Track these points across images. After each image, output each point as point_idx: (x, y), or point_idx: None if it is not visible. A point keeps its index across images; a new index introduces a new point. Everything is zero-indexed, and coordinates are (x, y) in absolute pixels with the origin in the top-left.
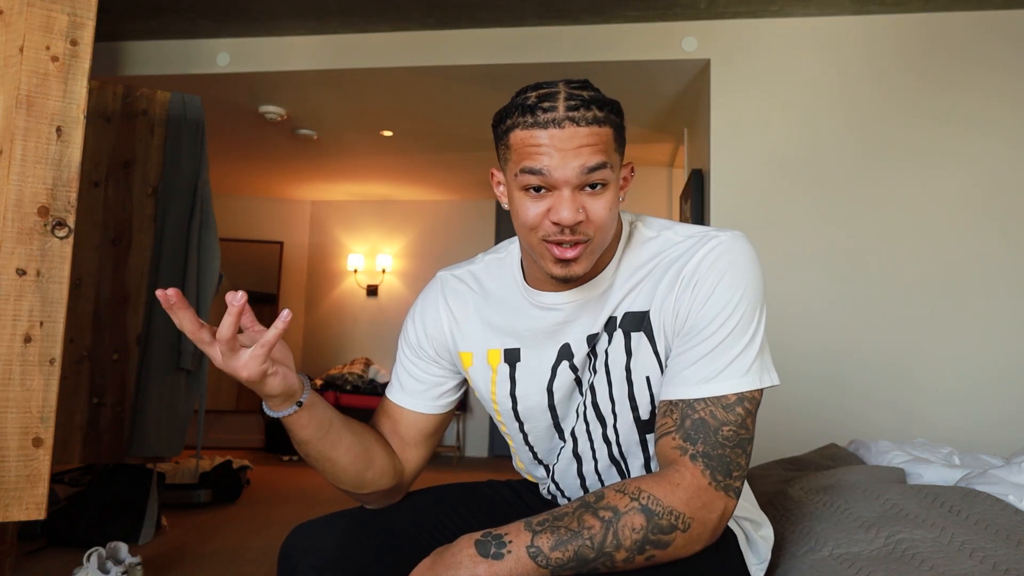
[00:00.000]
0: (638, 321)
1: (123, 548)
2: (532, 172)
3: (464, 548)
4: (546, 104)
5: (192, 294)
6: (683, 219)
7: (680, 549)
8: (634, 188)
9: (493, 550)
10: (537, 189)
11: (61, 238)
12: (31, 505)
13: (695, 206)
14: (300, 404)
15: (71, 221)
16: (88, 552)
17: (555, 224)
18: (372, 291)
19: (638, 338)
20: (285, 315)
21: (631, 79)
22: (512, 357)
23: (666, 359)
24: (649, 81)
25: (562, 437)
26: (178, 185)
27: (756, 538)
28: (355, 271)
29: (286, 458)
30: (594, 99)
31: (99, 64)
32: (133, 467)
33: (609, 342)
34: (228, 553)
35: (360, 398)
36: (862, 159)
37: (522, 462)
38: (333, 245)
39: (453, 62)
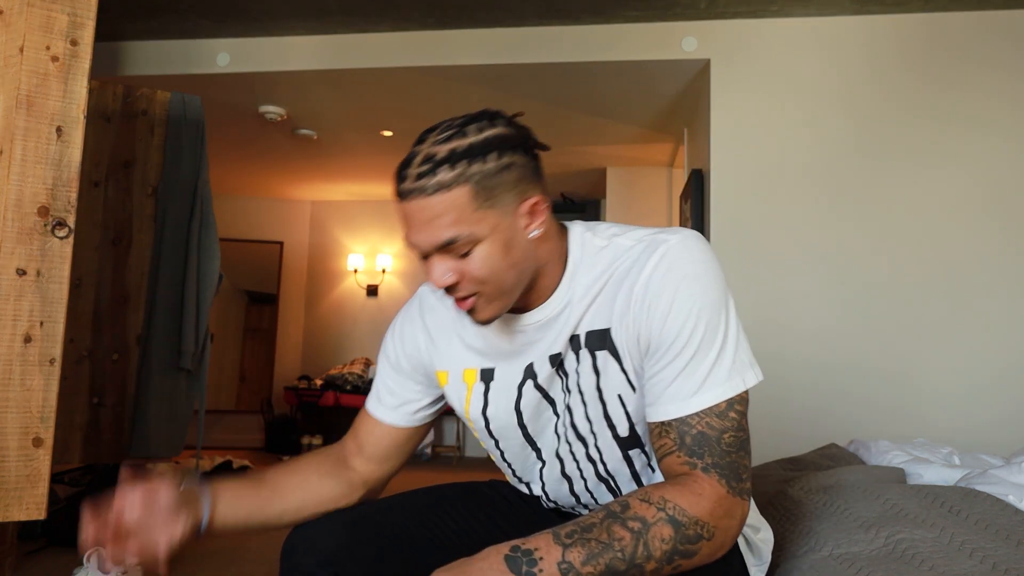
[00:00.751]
0: (601, 339)
1: None
2: (407, 242)
3: (494, 564)
4: (403, 172)
5: (192, 294)
6: (683, 219)
7: (705, 558)
8: (634, 188)
9: (525, 568)
10: (423, 254)
11: (61, 238)
12: (31, 505)
13: (695, 206)
14: (200, 532)
15: (71, 221)
16: (88, 552)
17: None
18: (372, 291)
19: (603, 357)
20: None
21: (631, 79)
22: (487, 376)
23: (635, 376)
24: (649, 81)
25: (539, 456)
26: (178, 185)
27: (756, 541)
28: (355, 271)
29: (286, 458)
30: (448, 157)
31: (99, 64)
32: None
33: (577, 362)
34: (228, 553)
35: (360, 398)
36: (862, 159)
37: (506, 477)
38: (333, 245)
39: (453, 62)
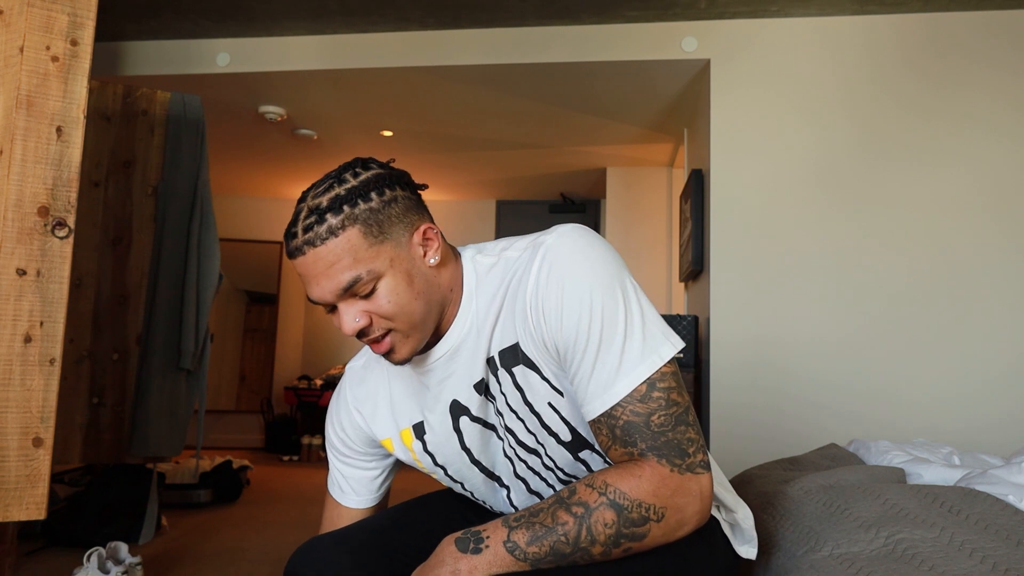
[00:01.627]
0: (513, 355)
1: (123, 548)
2: (311, 300)
3: (445, 547)
4: (291, 231)
5: (192, 294)
6: (683, 219)
7: (660, 538)
8: (634, 188)
9: (472, 545)
10: (330, 306)
11: (61, 238)
12: (31, 505)
13: (695, 206)
14: None
15: (71, 221)
16: (88, 552)
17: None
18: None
19: (522, 371)
20: None
21: (631, 79)
22: (419, 431)
23: (558, 381)
24: (649, 81)
25: (501, 484)
26: (178, 185)
27: (738, 521)
28: None
29: (286, 458)
30: (331, 205)
31: (99, 64)
32: (133, 467)
33: (499, 384)
34: (228, 553)
35: None
36: (862, 159)
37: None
38: None
39: (453, 62)
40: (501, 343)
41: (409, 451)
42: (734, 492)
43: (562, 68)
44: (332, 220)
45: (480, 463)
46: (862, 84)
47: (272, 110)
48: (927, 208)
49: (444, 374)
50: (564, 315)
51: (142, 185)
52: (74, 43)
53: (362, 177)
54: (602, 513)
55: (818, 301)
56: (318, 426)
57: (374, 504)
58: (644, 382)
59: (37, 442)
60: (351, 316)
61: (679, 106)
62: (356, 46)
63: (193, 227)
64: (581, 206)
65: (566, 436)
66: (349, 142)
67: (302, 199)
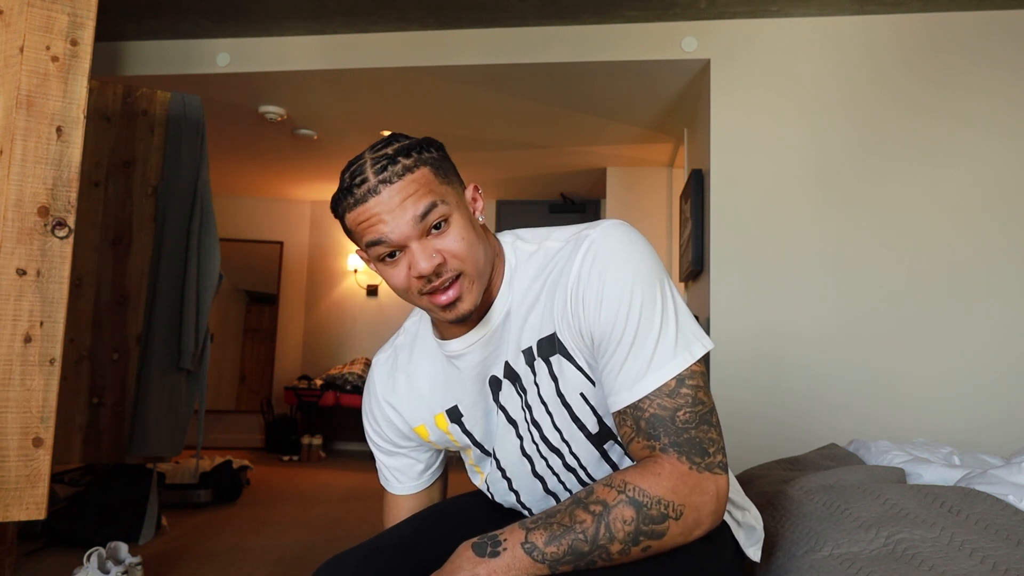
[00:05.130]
0: (551, 345)
1: (123, 548)
2: (376, 243)
3: (462, 552)
4: (358, 179)
5: (192, 294)
6: (683, 219)
7: (678, 537)
8: (634, 188)
9: (489, 549)
10: (391, 255)
11: (61, 238)
12: (31, 505)
13: (695, 206)
14: None
15: (71, 221)
16: (88, 552)
17: (420, 278)
18: (372, 291)
19: (558, 361)
20: None
21: (631, 79)
22: (455, 415)
23: (591, 370)
24: (649, 81)
25: (510, 487)
26: (178, 185)
27: (749, 520)
28: (355, 271)
29: (286, 458)
30: (399, 151)
31: (99, 64)
32: (133, 467)
33: (534, 374)
34: (228, 553)
35: (360, 398)
36: (862, 159)
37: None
38: (333, 245)
39: (453, 62)
40: (539, 332)
41: (445, 433)
42: (743, 493)
43: (562, 68)
44: (405, 161)
45: (520, 436)
46: (862, 84)
47: (272, 110)
48: (927, 208)
49: (482, 354)
50: (604, 305)
51: (142, 185)
52: (74, 43)
53: (412, 139)
54: (621, 510)
55: (818, 301)
56: (318, 426)
57: (426, 488)
58: (674, 378)
59: (37, 442)
60: (427, 253)
61: (679, 106)
62: (356, 46)
63: (193, 227)
64: (581, 206)
65: (593, 428)
66: (349, 142)
67: (358, 159)
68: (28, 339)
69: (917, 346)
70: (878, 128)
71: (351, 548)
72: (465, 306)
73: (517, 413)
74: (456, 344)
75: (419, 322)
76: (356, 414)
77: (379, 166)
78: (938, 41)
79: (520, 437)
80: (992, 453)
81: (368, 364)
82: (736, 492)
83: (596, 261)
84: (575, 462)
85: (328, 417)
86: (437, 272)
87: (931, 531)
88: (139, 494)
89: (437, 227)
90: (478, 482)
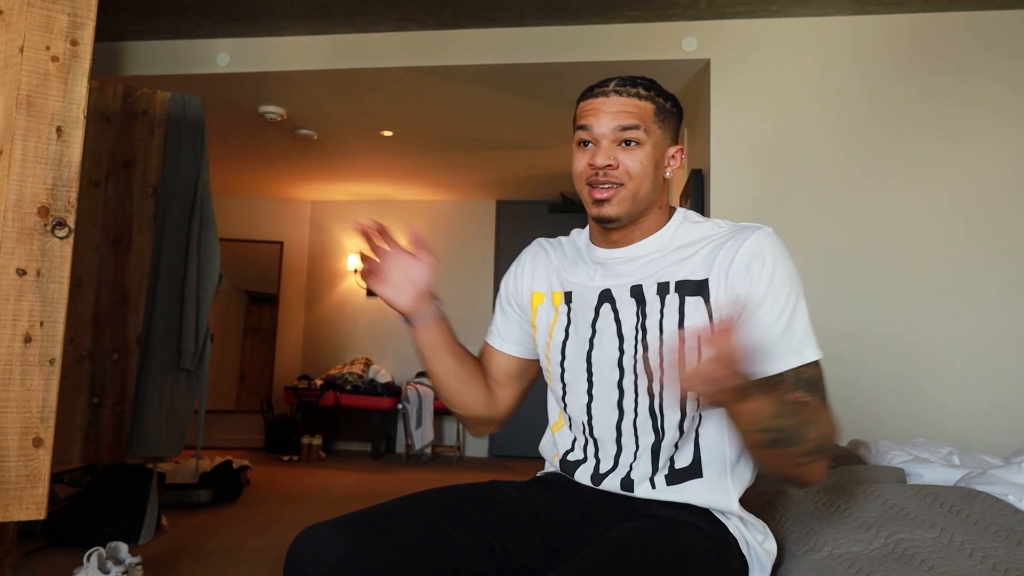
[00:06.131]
0: (696, 287)
1: (123, 548)
2: (580, 128)
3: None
4: (604, 82)
5: (192, 294)
6: None
7: (818, 469)
8: None
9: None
10: (585, 144)
11: (61, 238)
12: (31, 505)
13: (695, 206)
14: (408, 321)
15: (71, 221)
16: (88, 552)
17: (591, 167)
18: (372, 291)
19: (695, 302)
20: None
21: None
22: (569, 298)
23: (715, 320)
24: None
25: (590, 379)
26: (178, 185)
27: (760, 550)
28: (355, 271)
29: (286, 458)
30: (642, 82)
31: (99, 64)
32: (133, 467)
33: (663, 304)
34: (228, 553)
35: (360, 398)
36: (862, 158)
37: (554, 422)
38: (333, 245)
39: (453, 62)
40: (687, 275)
41: (555, 309)
42: (767, 527)
43: (562, 68)
44: (642, 90)
45: (592, 343)
46: (862, 84)
47: (272, 110)
48: (927, 208)
49: (616, 270)
50: (774, 281)
51: (142, 185)
52: (74, 43)
53: (665, 89)
54: (823, 427)
55: (818, 301)
56: (318, 426)
57: (512, 355)
58: (818, 359)
59: (37, 442)
60: (609, 153)
61: None
62: (356, 46)
63: (193, 227)
64: (581, 206)
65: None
66: (349, 142)
67: (611, 78)
68: (28, 339)
69: (917, 347)
70: (878, 128)
71: (330, 519)
72: (610, 210)
73: (629, 329)
74: (602, 252)
75: (583, 231)
76: (356, 414)
77: (622, 81)
78: (938, 40)
79: (622, 351)
80: (992, 453)
81: (368, 364)
82: (759, 522)
83: (771, 248)
84: (658, 389)
85: (328, 417)
86: (605, 172)
87: (931, 531)
88: (139, 494)
89: (628, 143)
90: (555, 379)
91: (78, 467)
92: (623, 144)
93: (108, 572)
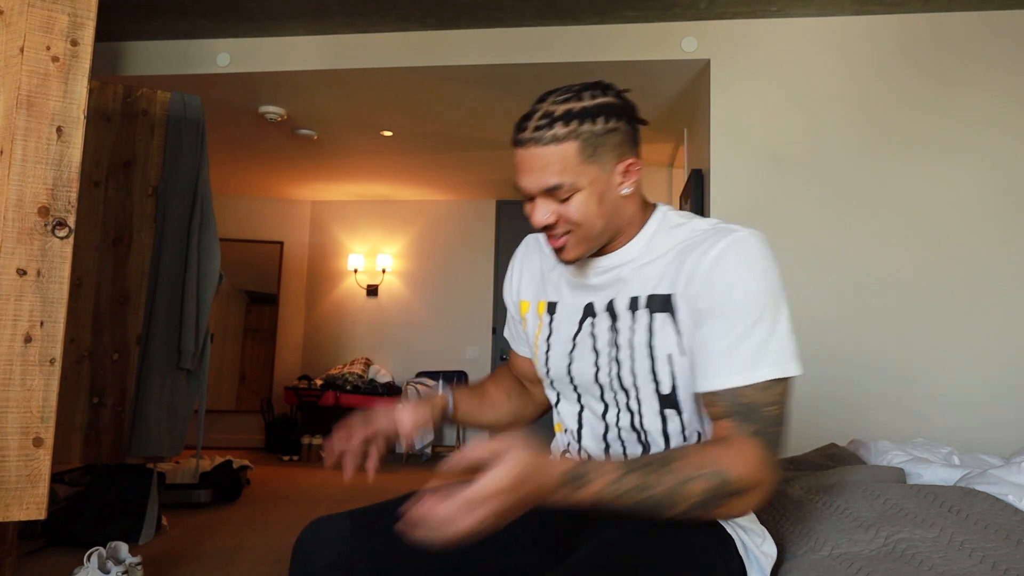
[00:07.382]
0: (663, 303)
1: (123, 548)
2: (517, 186)
3: (552, 469)
4: (523, 124)
5: (192, 294)
6: None
7: (736, 508)
8: None
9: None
10: (529, 197)
11: (61, 238)
12: (31, 505)
13: (695, 206)
14: (448, 414)
15: (71, 221)
16: (88, 552)
17: (535, 223)
18: (372, 291)
19: (663, 319)
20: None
21: (631, 79)
22: (552, 309)
23: (687, 341)
24: (649, 81)
25: (576, 390)
26: (178, 185)
27: (758, 553)
28: (355, 271)
29: (286, 458)
30: (563, 116)
31: (99, 64)
32: (133, 467)
33: (633, 320)
34: (228, 553)
35: (360, 398)
36: (863, 159)
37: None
38: (333, 245)
39: (453, 62)
40: (654, 289)
41: (539, 319)
42: (761, 524)
43: (562, 68)
44: (559, 130)
45: (572, 357)
46: (862, 84)
47: (272, 110)
48: (928, 207)
49: (599, 284)
50: (732, 291)
51: (142, 185)
52: (74, 43)
53: (598, 100)
54: (702, 482)
55: (818, 301)
56: (318, 426)
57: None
58: (771, 379)
59: (37, 442)
60: (544, 212)
61: (679, 106)
62: (356, 46)
63: (193, 227)
64: None
65: (666, 388)
66: (349, 142)
67: (542, 100)
68: (28, 339)
69: (917, 346)
70: (878, 127)
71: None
72: (568, 255)
73: (603, 345)
74: (583, 264)
75: None
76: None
77: (539, 123)
78: (938, 41)
79: (598, 367)
80: (992, 453)
81: (368, 364)
82: (757, 525)
83: (736, 254)
84: (636, 407)
85: (328, 417)
86: (550, 227)
87: (931, 531)
88: (139, 494)
89: (562, 198)
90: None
91: (78, 467)
92: (557, 199)
93: (108, 572)
